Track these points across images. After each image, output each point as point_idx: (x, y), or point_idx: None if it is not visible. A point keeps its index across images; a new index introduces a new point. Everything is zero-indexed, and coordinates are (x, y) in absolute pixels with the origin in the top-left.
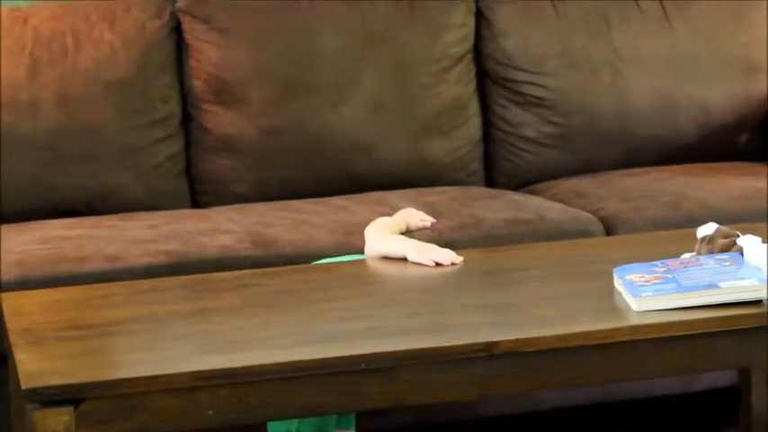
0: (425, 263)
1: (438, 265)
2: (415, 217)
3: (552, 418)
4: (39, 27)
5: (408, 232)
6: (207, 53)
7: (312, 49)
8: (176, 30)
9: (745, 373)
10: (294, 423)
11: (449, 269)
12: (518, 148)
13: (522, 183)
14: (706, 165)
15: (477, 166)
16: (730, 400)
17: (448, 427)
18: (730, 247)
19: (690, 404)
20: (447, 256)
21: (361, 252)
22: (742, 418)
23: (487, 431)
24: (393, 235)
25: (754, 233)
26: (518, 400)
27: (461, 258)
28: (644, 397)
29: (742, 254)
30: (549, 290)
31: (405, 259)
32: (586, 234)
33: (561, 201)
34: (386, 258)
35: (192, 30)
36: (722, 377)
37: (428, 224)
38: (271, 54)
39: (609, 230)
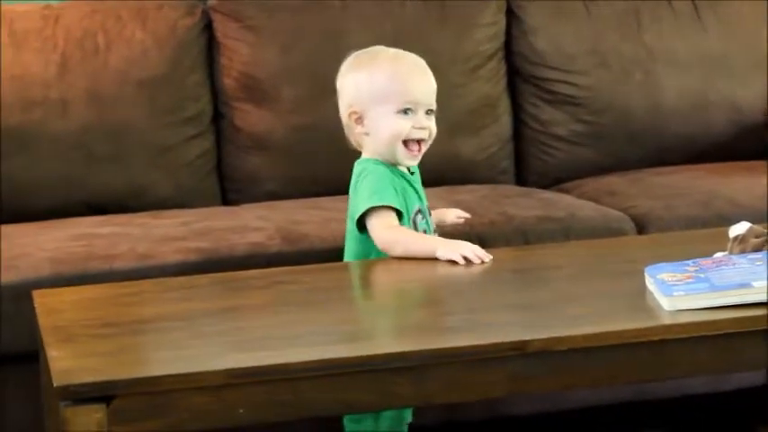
0: (455, 259)
1: (467, 261)
2: (451, 214)
3: (582, 417)
4: (70, 26)
5: (441, 226)
6: (238, 51)
7: (343, 47)
8: (207, 28)
9: None
10: (370, 420)
11: (480, 268)
12: (549, 147)
13: (553, 181)
14: (737, 163)
15: (507, 164)
16: (761, 399)
17: (477, 425)
18: (763, 246)
19: (720, 403)
20: (477, 251)
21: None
22: None
23: (517, 430)
24: (414, 232)
25: None
26: (548, 399)
27: (491, 256)
28: (674, 396)
29: None
30: (581, 289)
31: (434, 258)
32: (618, 232)
33: (592, 199)
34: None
35: (224, 28)
36: (753, 376)
37: (462, 220)
38: (301, 52)
39: (640, 228)
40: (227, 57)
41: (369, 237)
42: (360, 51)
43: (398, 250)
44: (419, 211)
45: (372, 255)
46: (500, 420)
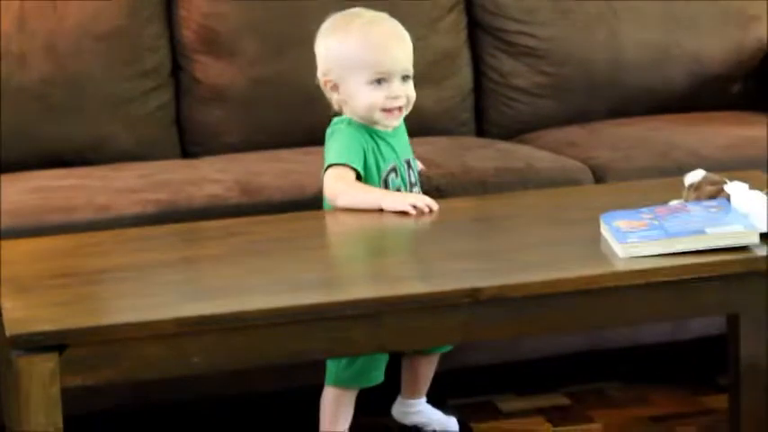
0: (404, 209)
1: (417, 211)
2: None
3: (537, 368)
4: None
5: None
6: (196, 3)
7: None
8: None
9: (733, 321)
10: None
11: (436, 217)
12: (509, 98)
13: (514, 133)
14: (698, 114)
15: (468, 116)
16: (719, 348)
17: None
18: (717, 193)
19: (678, 353)
20: (424, 200)
21: None
22: (730, 367)
23: (473, 380)
24: (361, 185)
25: (743, 180)
26: (503, 349)
27: (437, 205)
28: (631, 346)
29: (729, 200)
30: (536, 237)
31: (380, 210)
32: (576, 183)
33: (552, 150)
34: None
35: None
36: (711, 325)
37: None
38: (261, 5)
39: (598, 179)
40: (185, 8)
41: None
42: (338, 14)
43: (342, 201)
44: (393, 168)
45: None
46: (454, 371)
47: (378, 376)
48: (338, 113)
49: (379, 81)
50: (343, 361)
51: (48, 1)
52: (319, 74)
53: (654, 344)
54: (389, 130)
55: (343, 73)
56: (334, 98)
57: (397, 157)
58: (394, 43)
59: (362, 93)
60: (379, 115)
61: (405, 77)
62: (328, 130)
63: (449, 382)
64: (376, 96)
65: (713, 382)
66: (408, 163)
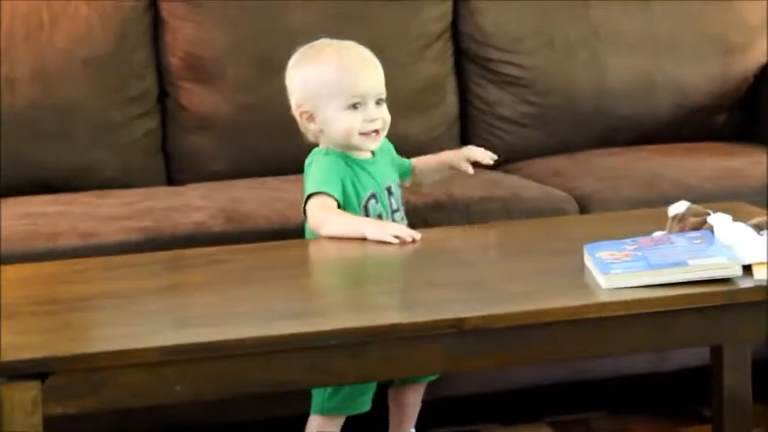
0: (386, 239)
1: (400, 241)
2: (465, 155)
3: (523, 397)
4: (15, 2)
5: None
6: (183, 30)
7: (287, 26)
8: (153, 6)
9: (717, 352)
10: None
11: (420, 246)
12: (494, 127)
13: (499, 162)
14: (683, 145)
15: (453, 144)
16: (703, 379)
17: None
18: (701, 225)
19: (662, 383)
20: (405, 230)
21: None
22: (714, 398)
23: (458, 410)
24: (345, 213)
25: (727, 212)
26: (487, 379)
27: (420, 235)
28: (615, 377)
29: (713, 232)
30: (520, 267)
31: (363, 239)
32: (561, 212)
33: (537, 180)
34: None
35: (169, 6)
36: (695, 356)
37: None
38: (247, 32)
39: (584, 209)
40: (172, 35)
41: None
42: (306, 46)
43: (326, 230)
44: (373, 195)
45: None
46: (439, 401)
47: (364, 403)
48: (315, 144)
49: (355, 105)
50: (329, 389)
51: (35, 25)
52: (294, 106)
53: (637, 374)
54: (368, 155)
55: (319, 101)
56: (311, 129)
57: (377, 184)
58: (367, 68)
59: (340, 118)
60: (357, 139)
61: (379, 101)
62: (307, 160)
63: (434, 412)
64: (353, 120)
65: (696, 412)
66: (389, 189)
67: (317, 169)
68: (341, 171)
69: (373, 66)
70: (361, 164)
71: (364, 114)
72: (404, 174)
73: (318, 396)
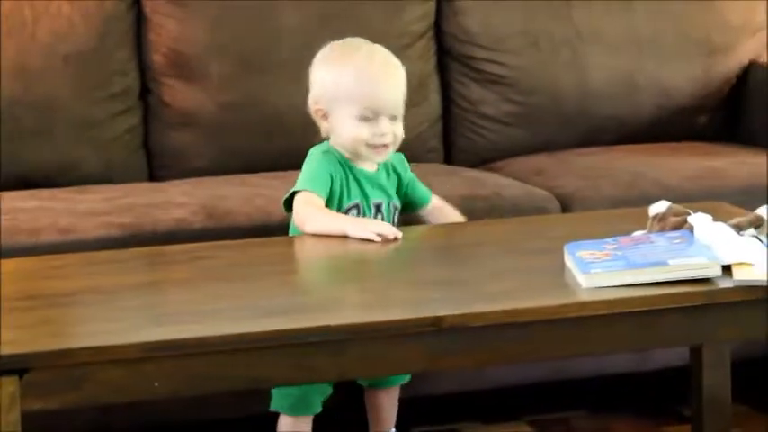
0: (369, 237)
1: (381, 238)
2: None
3: (504, 396)
4: None
5: None
6: (166, 27)
7: (271, 24)
8: (136, 3)
9: (696, 352)
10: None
11: (401, 245)
12: (477, 126)
13: (481, 160)
14: (665, 145)
15: (436, 143)
16: (683, 379)
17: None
18: (681, 225)
19: (642, 383)
20: (388, 228)
21: None
22: (693, 398)
23: (438, 408)
24: (328, 211)
25: (708, 212)
26: (468, 378)
27: (401, 233)
28: (596, 375)
29: (693, 232)
30: (500, 266)
31: (346, 236)
32: (542, 211)
33: (519, 178)
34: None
35: (152, 3)
36: (675, 356)
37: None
38: (230, 29)
39: (565, 208)
40: (155, 32)
41: None
42: (336, 43)
43: (309, 227)
44: (356, 206)
45: None
46: (418, 399)
47: (314, 405)
48: (327, 139)
49: (367, 118)
50: (282, 389)
51: (17, 22)
52: (310, 100)
53: (618, 374)
54: (371, 167)
55: (333, 103)
56: (323, 126)
57: (365, 198)
58: (388, 81)
59: (349, 126)
60: (364, 150)
61: (393, 117)
62: (309, 153)
63: (414, 411)
64: (362, 131)
65: (676, 412)
66: (378, 207)
67: (309, 166)
68: (332, 170)
69: (395, 81)
70: (356, 173)
71: (376, 128)
72: (416, 202)
73: (276, 393)
